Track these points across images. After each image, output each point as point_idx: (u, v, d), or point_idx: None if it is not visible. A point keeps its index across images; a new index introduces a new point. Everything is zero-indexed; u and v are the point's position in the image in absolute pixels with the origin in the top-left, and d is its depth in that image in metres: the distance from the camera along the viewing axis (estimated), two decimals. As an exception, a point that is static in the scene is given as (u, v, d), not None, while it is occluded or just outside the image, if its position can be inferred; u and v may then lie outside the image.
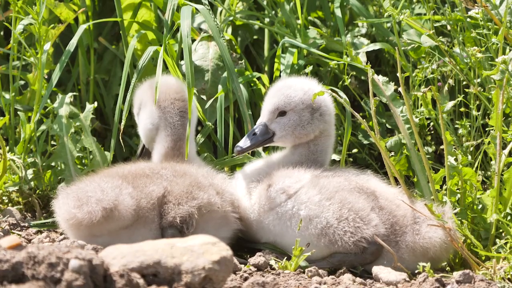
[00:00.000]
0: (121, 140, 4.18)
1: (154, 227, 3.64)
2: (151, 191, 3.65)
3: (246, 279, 3.47)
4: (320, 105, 3.82)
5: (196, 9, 4.27)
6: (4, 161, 4.16)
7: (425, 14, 4.38)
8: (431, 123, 4.40)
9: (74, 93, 4.46)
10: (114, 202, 3.54)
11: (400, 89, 3.92)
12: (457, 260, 3.82)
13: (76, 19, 4.67)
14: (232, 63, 4.25)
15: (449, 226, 3.61)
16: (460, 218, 3.77)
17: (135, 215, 3.60)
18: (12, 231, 4.04)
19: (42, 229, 4.11)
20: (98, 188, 3.59)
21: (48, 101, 4.38)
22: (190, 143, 3.92)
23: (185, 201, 3.64)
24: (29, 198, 4.31)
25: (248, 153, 4.14)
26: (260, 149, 4.23)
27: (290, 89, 3.84)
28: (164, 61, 4.16)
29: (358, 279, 3.57)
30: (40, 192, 4.32)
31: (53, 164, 4.30)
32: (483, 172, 4.26)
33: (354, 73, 4.49)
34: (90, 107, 4.35)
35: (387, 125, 4.53)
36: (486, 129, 4.14)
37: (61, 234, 3.94)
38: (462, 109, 4.28)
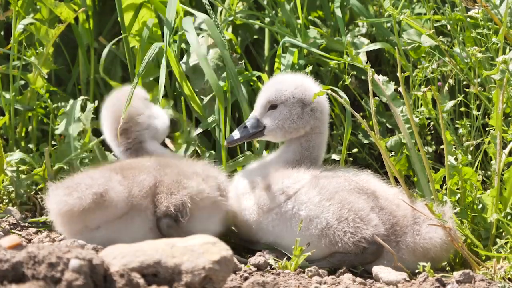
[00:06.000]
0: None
1: (149, 213, 3.67)
2: (142, 180, 3.68)
3: (246, 279, 3.47)
4: (311, 101, 3.82)
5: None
6: (4, 160, 4.16)
7: (425, 14, 4.37)
8: (431, 123, 4.40)
9: (86, 97, 4.47)
10: (104, 187, 3.57)
11: (400, 88, 3.92)
12: (457, 260, 3.82)
13: (76, 19, 4.67)
14: (233, 63, 4.25)
15: (449, 226, 3.61)
16: (460, 218, 3.77)
17: (128, 203, 3.63)
18: (12, 231, 4.04)
19: (42, 229, 4.10)
20: (87, 176, 3.64)
21: (49, 101, 4.38)
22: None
23: (176, 190, 3.67)
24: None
25: (256, 155, 4.20)
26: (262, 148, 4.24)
27: (281, 83, 3.86)
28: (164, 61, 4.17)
29: (358, 279, 3.56)
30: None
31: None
32: (483, 171, 4.26)
33: (355, 72, 4.49)
34: (90, 106, 4.36)
35: (387, 124, 4.52)
36: (486, 128, 4.14)
37: (61, 233, 3.94)
38: (462, 108, 4.27)
